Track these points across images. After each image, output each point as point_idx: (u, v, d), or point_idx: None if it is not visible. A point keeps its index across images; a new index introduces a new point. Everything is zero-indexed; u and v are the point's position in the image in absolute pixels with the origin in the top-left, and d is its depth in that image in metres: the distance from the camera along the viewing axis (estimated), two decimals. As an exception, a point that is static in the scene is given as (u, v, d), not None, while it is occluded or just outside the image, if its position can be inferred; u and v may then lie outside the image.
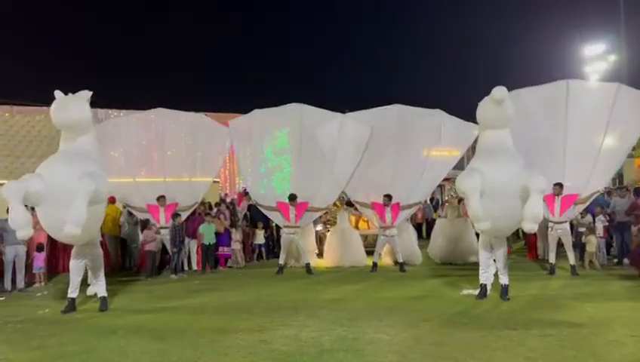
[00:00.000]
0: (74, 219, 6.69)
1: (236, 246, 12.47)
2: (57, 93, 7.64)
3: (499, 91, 7.65)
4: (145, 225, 11.75)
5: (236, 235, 12.51)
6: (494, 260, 8.23)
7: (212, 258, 12.00)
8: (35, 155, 16.11)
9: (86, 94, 7.75)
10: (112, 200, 11.75)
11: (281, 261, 11.53)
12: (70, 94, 7.69)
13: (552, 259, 10.39)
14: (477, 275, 8.35)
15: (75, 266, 7.91)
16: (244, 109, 12.64)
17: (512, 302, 7.76)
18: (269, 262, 13.00)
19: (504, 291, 7.99)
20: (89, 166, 7.35)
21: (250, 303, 8.20)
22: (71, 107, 7.52)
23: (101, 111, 17.02)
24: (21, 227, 6.79)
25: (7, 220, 9.38)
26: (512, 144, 7.98)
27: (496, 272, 8.24)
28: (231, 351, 5.64)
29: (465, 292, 8.55)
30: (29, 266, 10.18)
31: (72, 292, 7.88)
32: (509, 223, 7.67)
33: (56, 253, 11.00)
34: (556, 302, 7.69)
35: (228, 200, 15.04)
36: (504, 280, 8.03)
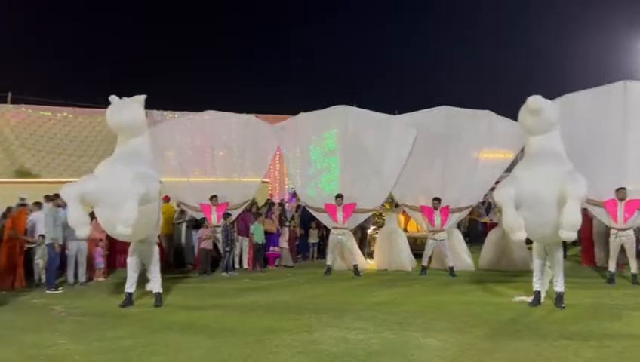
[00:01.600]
0: (124, 220, 6.96)
1: (285, 245, 12.63)
2: (112, 98, 7.96)
3: (532, 101, 7.50)
4: (197, 224, 12.09)
5: (285, 235, 12.67)
6: (549, 267, 7.99)
7: (262, 257, 12.21)
8: (96, 155, 16.90)
9: (140, 98, 8.07)
10: (166, 199, 12.15)
11: (328, 262, 11.58)
12: (125, 98, 8.00)
13: (611, 267, 9.93)
14: (530, 282, 8.13)
15: (132, 262, 8.25)
16: (292, 111, 12.88)
17: (568, 310, 7.50)
18: (317, 262, 13.09)
19: (559, 299, 7.73)
20: (141, 167, 7.64)
21: (299, 303, 8.30)
22: (125, 111, 7.83)
23: (157, 113, 17.67)
24: (79, 226, 7.15)
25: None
26: (560, 147, 7.75)
27: (551, 279, 7.99)
28: (280, 349, 5.74)
29: (518, 298, 8.32)
30: (90, 261, 10.67)
31: (129, 288, 8.22)
32: (553, 230, 7.29)
33: (115, 249, 11.47)
34: (615, 312, 7.38)
35: (277, 200, 15.25)
36: (559, 287, 7.77)
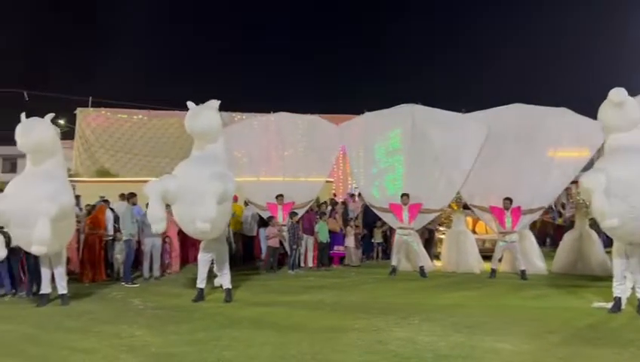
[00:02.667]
0: (203, 216, 7.24)
1: (350, 245, 12.65)
2: (190, 104, 8.24)
3: (616, 93, 7.06)
4: (264, 222, 12.37)
5: (350, 235, 12.69)
6: (630, 272, 7.52)
7: (326, 256, 12.30)
8: (169, 156, 17.70)
9: (214, 104, 8.34)
10: (234, 199, 12.50)
11: (394, 262, 11.48)
12: (201, 105, 8.26)
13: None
14: (610, 287, 7.68)
15: (203, 259, 8.57)
16: (356, 110, 12.91)
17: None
18: (381, 262, 13.01)
19: None
20: (218, 167, 7.92)
21: (365, 303, 8.29)
22: (201, 117, 8.11)
23: (225, 115, 18.20)
24: (157, 221, 7.52)
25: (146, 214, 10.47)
26: None
27: (633, 285, 7.52)
28: (348, 349, 5.76)
29: (596, 304, 7.87)
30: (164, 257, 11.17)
31: (200, 283, 8.53)
32: None
33: (187, 245, 11.94)
34: None
35: (340, 200, 15.30)
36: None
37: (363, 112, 12.76)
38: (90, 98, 18.79)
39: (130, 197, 10.90)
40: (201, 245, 8.67)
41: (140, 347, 5.94)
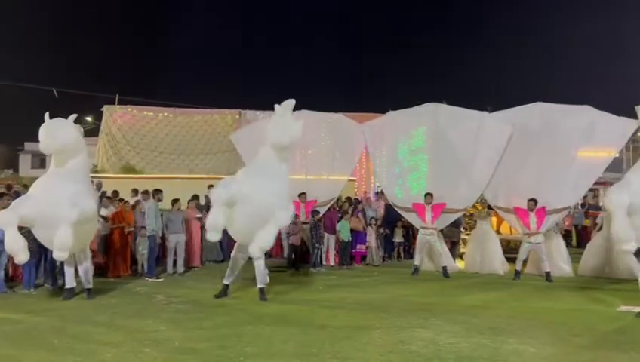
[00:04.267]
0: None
1: (372, 244, 12.62)
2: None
3: None
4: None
5: (372, 234, 12.66)
6: None
7: (348, 255, 12.30)
8: (193, 153, 17.91)
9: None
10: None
11: (416, 262, 11.42)
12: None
13: None
14: (637, 291, 7.52)
15: (235, 258, 8.61)
16: (381, 109, 12.86)
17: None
18: (403, 262, 12.95)
19: None
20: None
21: (387, 302, 8.27)
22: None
23: (250, 113, 18.43)
24: (213, 229, 7.59)
25: (171, 211, 10.61)
26: None
27: None
28: (369, 348, 5.75)
29: (624, 308, 7.71)
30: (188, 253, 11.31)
31: (227, 279, 8.58)
32: None
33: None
34: None
35: (362, 199, 15.25)
36: None
37: (387, 111, 12.69)
38: (117, 95, 19.12)
39: (155, 194, 11.07)
40: (236, 244, 8.70)
41: (163, 341, 6.03)
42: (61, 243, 7.31)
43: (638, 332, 6.55)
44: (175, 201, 11.00)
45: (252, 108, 18.68)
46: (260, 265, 8.35)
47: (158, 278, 10.29)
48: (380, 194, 14.60)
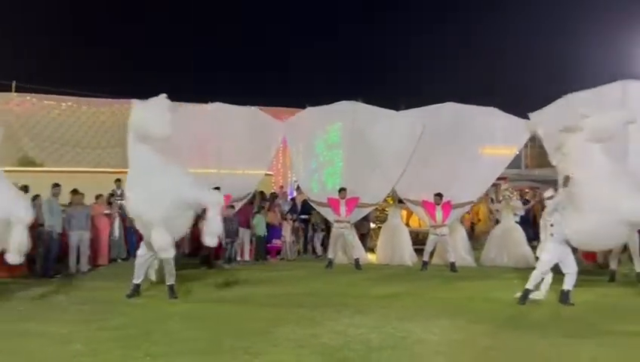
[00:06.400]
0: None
1: (287, 238, 12.65)
2: None
3: None
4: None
5: (287, 228, 12.69)
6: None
7: (263, 249, 12.24)
8: (99, 146, 16.93)
9: None
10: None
11: (330, 255, 11.61)
12: None
13: (613, 265, 9.91)
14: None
15: (142, 254, 8.20)
16: (298, 104, 12.92)
17: (570, 308, 7.49)
18: (319, 256, 13.10)
19: (565, 296, 7.68)
20: None
21: (300, 296, 8.32)
22: None
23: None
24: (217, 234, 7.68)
25: (70, 206, 9.96)
26: None
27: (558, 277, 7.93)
28: (281, 342, 5.75)
29: (519, 295, 8.28)
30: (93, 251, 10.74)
31: (137, 279, 8.17)
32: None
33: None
34: (617, 310, 7.41)
35: (279, 193, 15.24)
36: (567, 285, 7.71)
37: (305, 107, 12.80)
38: (14, 82, 17.66)
39: (51, 188, 10.36)
40: (142, 241, 8.22)
41: (64, 343, 5.67)
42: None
43: (532, 316, 7.05)
44: (75, 193, 10.32)
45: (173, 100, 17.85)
46: (168, 262, 8.05)
47: (53, 277, 9.67)
48: (298, 189, 14.70)
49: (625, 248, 9.76)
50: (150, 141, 7.64)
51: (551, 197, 7.99)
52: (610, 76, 10.27)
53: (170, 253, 7.65)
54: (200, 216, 12.08)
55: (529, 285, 7.75)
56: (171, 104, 7.82)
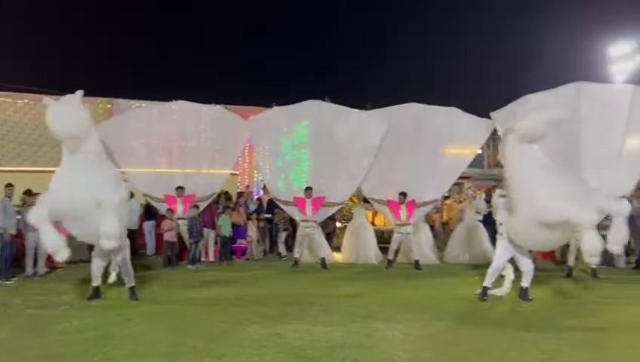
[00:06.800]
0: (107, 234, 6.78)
1: (253, 239, 12.57)
2: (47, 101, 6.89)
3: None
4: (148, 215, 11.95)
5: (252, 228, 12.61)
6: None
7: (228, 250, 12.12)
8: (58, 145, 16.29)
9: (78, 96, 7.06)
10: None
11: (296, 254, 11.60)
12: (63, 98, 7.01)
13: (570, 261, 10.22)
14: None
15: (97, 258, 7.93)
16: (265, 103, 12.84)
17: (528, 304, 7.68)
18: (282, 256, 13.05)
19: (523, 293, 7.87)
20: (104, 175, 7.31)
21: (265, 296, 8.26)
22: (68, 116, 6.84)
23: (123, 102, 17.15)
24: (57, 249, 6.79)
25: (24, 207, 9.61)
26: None
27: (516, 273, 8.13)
28: (244, 343, 5.69)
29: (479, 291, 8.45)
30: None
31: (96, 281, 7.94)
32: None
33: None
34: (573, 305, 7.63)
35: (245, 192, 15.13)
36: (524, 282, 7.92)
37: (272, 106, 12.75)
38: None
39: (4, 188, 9.98)
40: (95, 247, 7.83)
41: (16, 349, 5.47)
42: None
43: (493, 312, 7.21)
44: (29, 194, 9.93)
45: (126, 97, 17.43)
46: (125, 263, 7.86)
47: (9, 281, 9.36)
48: (265, 189, 14.62)
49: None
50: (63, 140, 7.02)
51: (503, 196, 8.12)
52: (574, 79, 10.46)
53: (112, 244, 6.92)
54: (163, 217, 11.99)
55: (486, 282, 7.96)
56: (80, 100, 7.03)
